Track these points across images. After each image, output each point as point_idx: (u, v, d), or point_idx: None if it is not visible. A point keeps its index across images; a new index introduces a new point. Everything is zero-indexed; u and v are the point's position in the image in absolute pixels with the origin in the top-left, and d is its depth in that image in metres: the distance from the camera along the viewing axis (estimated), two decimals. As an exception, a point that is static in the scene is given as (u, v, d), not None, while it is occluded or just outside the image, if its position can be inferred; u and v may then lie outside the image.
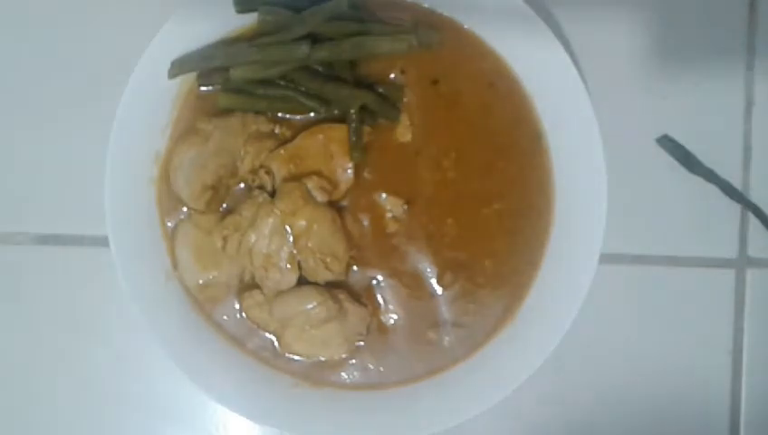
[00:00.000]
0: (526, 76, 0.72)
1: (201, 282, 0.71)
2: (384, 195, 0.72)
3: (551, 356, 0.70)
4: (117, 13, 0.76)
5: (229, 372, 0.71)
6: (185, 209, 0.72)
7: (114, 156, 0.69)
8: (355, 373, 0.72)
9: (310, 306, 0.69)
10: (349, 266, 0.72)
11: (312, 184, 0.70)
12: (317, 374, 0.72)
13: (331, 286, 0.71)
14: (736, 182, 0.78)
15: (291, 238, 0.70)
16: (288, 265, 0.70)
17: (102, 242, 0.70)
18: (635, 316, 0.77)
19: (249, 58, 0.69)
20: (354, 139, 0.70)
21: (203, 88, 0.72)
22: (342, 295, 0.71)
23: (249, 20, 0.71)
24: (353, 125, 0.70)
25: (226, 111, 0.71)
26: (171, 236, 0.72)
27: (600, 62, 0.76)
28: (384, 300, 0.72)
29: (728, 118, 0.78)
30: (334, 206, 0.71)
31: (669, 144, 0.77)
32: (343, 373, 0.72)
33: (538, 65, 0.71)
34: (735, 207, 0.78)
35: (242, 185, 0.72)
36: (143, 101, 0.70)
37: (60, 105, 0.76)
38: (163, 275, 0.71)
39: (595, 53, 0.76)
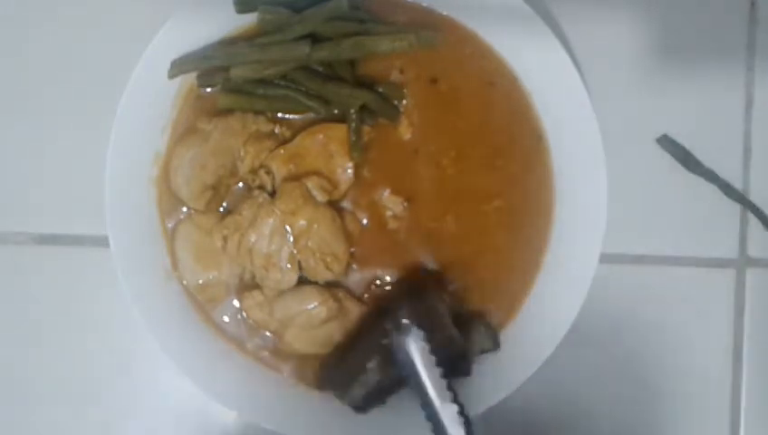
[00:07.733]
0: (526, 75, 0.72)
1: (201, 282, 0.71)
2: (384, 193, 0.72)
3: (550, 356, 0.70)
4: (117, 12, 0.76)
5: (229, 372, 0.71)
6: (185, 209, 0.71)
7: (114, 156, 0.69)
8: (355, 373, 0.72)
9: (310, 306, 0.69)
10: (349, 266, 0.71)
11: (312, 184, 0.70)
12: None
13: (332, 286, 0.71)
14: (736, 182, 0.78)
15: (291, 238, 0.70)
16: (288, 265, 0.70)
17: (102, 242, 0.70)
18: (635, 316, 0.77)
19: (249, 58, 0.69)
20: (354, 138, 0.70)
21: (203, 88, 0.72)
22: (342, 295, 0.71)
23: (249, 20, 0.71)
24: (353, 125, 0.70)
25: (226, 111, 0.71)
26: (171, 236, 0.72)
27: (600, 62, 0.76)
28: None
29: (728, 118, 0.78)
30: (334, 205, 0.71)
31: (669, 144, 0.77)
32: (343, 373, 0.72)
33: (538, 65, 0.71)
34: (735, 207, 0.78)
35: (242, 185, 0.72)
36: (143, 101, 0.70)
37: (60, 105, 0.76)
38: (163, 275, 0.71)
39: (595, 53, 0.76)
